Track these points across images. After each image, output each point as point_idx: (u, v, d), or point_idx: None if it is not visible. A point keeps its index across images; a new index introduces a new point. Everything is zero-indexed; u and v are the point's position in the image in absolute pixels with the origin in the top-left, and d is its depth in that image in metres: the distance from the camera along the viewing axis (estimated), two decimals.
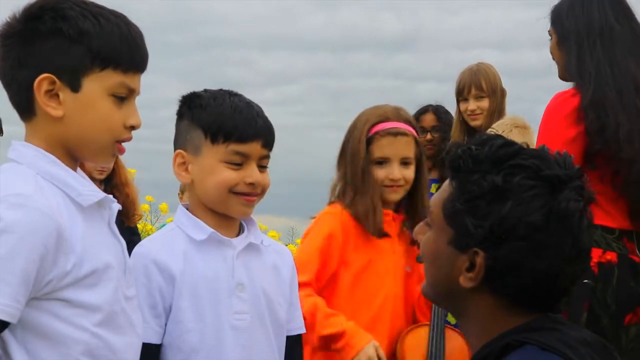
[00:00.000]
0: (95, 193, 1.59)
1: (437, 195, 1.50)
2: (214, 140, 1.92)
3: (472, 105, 4.06)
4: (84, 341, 1.53)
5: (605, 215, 2.61)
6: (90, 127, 1.57)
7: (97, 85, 1.56)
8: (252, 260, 1.98)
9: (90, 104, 1.56)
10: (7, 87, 1.59)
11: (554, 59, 2.87)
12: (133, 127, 1.63)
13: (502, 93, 4.10)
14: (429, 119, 4.52)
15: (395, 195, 2.61)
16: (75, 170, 1.62)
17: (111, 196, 1.66)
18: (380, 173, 2.59)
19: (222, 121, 1.92)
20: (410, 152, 2.60)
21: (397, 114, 2.62)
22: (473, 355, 1.47)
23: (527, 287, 1.40)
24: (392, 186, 2.59)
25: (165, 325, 1.90)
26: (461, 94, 4.11)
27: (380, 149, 2.59)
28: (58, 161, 1.56)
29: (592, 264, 2.54)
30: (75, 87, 1.55)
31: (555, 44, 2.82)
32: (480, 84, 4.06)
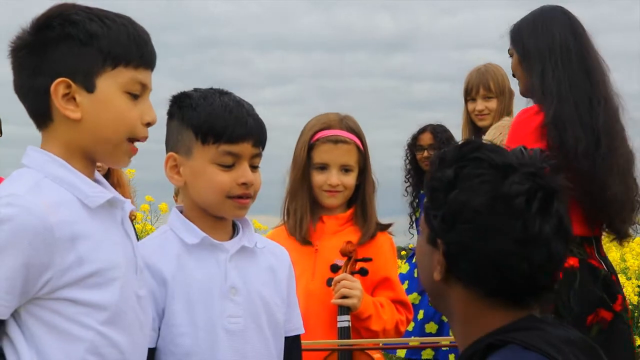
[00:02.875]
0: (102, 194, 1.61)
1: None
2: (204, 141, 1.90)
3: (479, 105, 4.09)
4: (89, 339, 1.55)
5: None
6: (108, 125, 1.60)
7: (111, 83, 1.60)
8: (246, 263, 1.96)
9: (106, 102, 1.60)
10: (24, 98, 1.63)
11: (514, 76, 3.00)
12: (149, 124, 1.66)
13: (510, 94, 4.12)
14: (426, 138, 4.92)
15: (333, 200, 2.72)
16: (92, 174, 1.66)
17: (122, 197, 1.68)
18: (319, 178, 2.70)
19: (213, 121, 1.89)
20: (350, 159, 2.70)
21: (340, 123, 2.72)
22: (459, 356, 1.50)
23: (482, 272, 1.43)
24: (330, 191, 2.70)
25: (159, 329, 1.88)
26: (469, 94, 4.13)
27: (320, 155, 2.70)
28: (66, 164, 1.59)
29: None
30: (90, 88, 1.59)
31: (517, 62, 2.94)
32: (488, 85, 4.08)
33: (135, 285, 1.65)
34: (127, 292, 1.62)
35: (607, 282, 2.74)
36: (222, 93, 1.95)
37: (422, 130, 5.00)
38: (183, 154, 1.93)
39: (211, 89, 1.97)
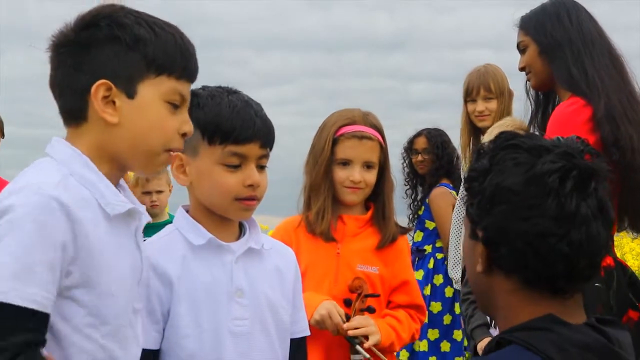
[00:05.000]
0: (124, 204, 1.58)
1: None
2: (210, 141, 1.88)
3: (480, 106, 4.08)
4: (91, 352, 1.53)
5: None
6: (145, 133, 1.58)
7: (152, 91, 1.58)
8: (252, 264, 1.94)
9: (145, 110, 1.58)
10: (59, 95, 1.60)
11: (523, 69, 2.90)
12: (185, 135, 1.63)
13: (510, 94, 4.13)
14: (421, 142, 5.05)
15: (354, 197, 2.68)
16: (117, 180, 1.63)
17: (142, 207, 1.66)
18: (341, 174, 2.66)
19: (219, 122, 1.87)
20: (373, 156, 2.66)
21: (364, 119, 2.68)
22: (485, 347, 1.50)
23: (521, 254, 1.41)
24: (351, 187, 2.66)
25: (164, 330, 1.87)
26: (469, 95, 4.12)
27: (344, 150, 2.65)
28: (93, 165, 1.56)
29: None
30: (130, 94, 1.56)
31: (535, 53, 2.84)
32: (488, 86, 4.09)
33: (135, 298, 1.64)
34: (128, 306, 1.60)
35: (633, 281, 2.69)
36: (230, 92, 1.93)
37: (417, 135, 5.09)
38: (189, 153, 1.91)
39: (220, 87, 1.95)
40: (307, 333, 2.11)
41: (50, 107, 1.65)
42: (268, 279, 1.97)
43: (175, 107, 1.61)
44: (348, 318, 2.54)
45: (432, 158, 4.99)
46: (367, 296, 2.59)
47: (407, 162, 5.11)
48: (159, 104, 1.59)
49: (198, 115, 1.87)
